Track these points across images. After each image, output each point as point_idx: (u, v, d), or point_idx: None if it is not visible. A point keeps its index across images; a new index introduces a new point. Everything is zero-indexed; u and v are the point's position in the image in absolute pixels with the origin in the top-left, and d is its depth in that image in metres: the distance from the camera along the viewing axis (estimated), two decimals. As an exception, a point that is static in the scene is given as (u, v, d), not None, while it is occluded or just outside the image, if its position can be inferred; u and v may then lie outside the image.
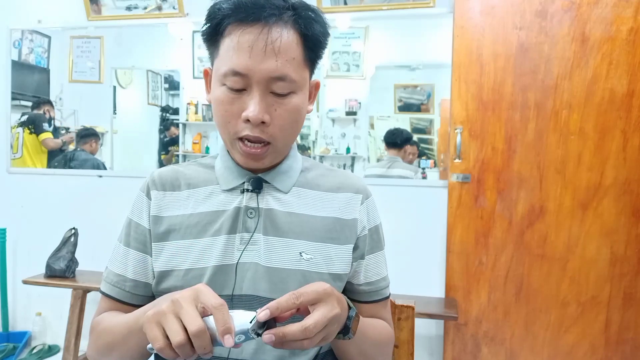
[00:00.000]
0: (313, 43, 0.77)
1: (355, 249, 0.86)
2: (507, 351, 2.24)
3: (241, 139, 0.77)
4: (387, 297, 0.93)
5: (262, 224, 0.81)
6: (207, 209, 0.82)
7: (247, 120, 0.74)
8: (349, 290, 0.89)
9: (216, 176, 0.86)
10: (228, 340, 0.57)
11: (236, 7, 0.73)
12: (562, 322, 2.19)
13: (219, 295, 0.71)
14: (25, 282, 2.32)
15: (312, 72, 0.82)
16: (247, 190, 0.83)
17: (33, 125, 2.79)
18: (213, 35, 0.77)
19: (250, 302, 0.78)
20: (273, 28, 0.72)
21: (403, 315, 1.06)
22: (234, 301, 0.78)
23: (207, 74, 0.84)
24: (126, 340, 0.73)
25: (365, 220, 0.88)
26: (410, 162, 2.44)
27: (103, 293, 0.84)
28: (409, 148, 2.44)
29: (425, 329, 2.33)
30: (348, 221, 0.85)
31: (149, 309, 0.64)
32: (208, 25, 0.77)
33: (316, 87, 0.86)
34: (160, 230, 0.82)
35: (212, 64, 0.80)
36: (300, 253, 0.80)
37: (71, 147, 2.78)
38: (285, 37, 0.73)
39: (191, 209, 0.83)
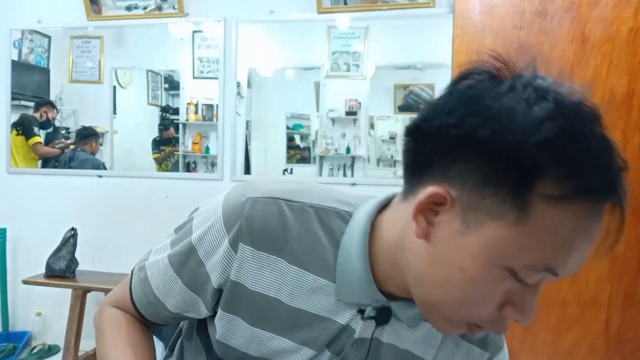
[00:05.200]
0: None
1: None
2: (507, 351, 2.24)
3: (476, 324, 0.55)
4: None
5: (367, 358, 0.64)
6: (307, 307, 0.62)
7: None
8: None
9: (335, 272, 0.60)
10: None
11: (590, 167, 0.45)
12: (562, 322, 2.18)
13: None
14: (25, 282, 2.32)
15: None
16: (369, 317, 0.61)
17: (22, 127, 2.77)
18: (514, 184, 0.46)
19: None
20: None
21: (403, 315, 1.05)
22: None
23: (436, 203, 0.50)
24: None
25: None
26: None
27: (133, 303, 0.70)
28: None
29: (425, 329, 2.33)
30: None
31: None
32: (509, 167, 0.46)
33: None
34: (235, 301, 0.63)
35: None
36: None
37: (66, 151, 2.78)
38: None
39: (286, 295, 0.61)
